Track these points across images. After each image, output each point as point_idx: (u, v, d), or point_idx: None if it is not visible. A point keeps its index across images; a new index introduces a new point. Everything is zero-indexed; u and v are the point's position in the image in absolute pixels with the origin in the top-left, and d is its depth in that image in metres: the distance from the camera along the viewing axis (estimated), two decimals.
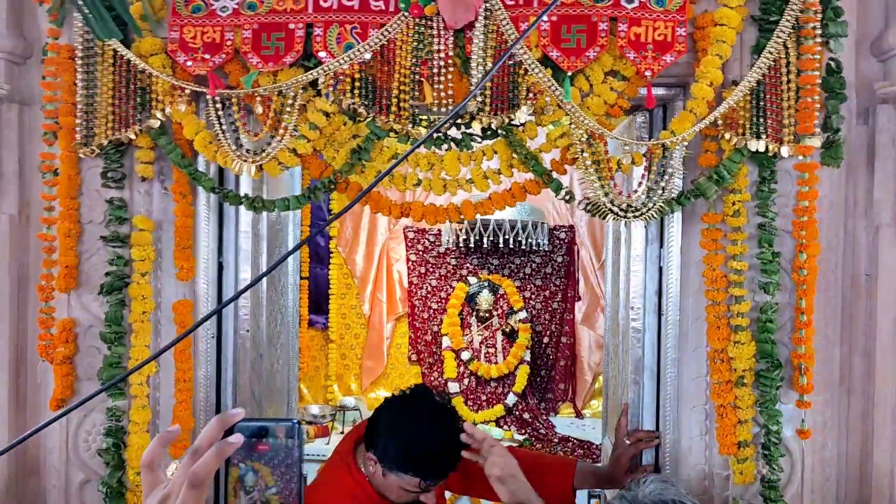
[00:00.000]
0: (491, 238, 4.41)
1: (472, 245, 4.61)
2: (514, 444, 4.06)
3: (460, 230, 4.54)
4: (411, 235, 4.83)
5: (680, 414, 1.94)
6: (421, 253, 4.82)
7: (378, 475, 1.75)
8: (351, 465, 1.82)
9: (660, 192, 1.78)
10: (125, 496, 1.90)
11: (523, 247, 4.52)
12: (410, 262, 4.84)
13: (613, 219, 1.79)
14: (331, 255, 4.82)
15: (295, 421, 0.80)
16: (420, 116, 1.81)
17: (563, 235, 4.76)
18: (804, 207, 1.78)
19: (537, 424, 4.42)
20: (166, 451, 0.81)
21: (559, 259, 4.78)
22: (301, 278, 4.51)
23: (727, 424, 1.84)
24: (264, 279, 2.27)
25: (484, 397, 4.52)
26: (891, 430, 1.86)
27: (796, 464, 1.88)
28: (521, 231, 4.34)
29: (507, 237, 4.35)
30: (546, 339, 4.80)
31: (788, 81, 1.74)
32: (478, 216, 1.93)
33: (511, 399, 4.46)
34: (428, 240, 4.82)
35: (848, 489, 1.92)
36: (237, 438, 0.77)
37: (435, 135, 1.83)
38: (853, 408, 1.92)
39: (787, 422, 1.85)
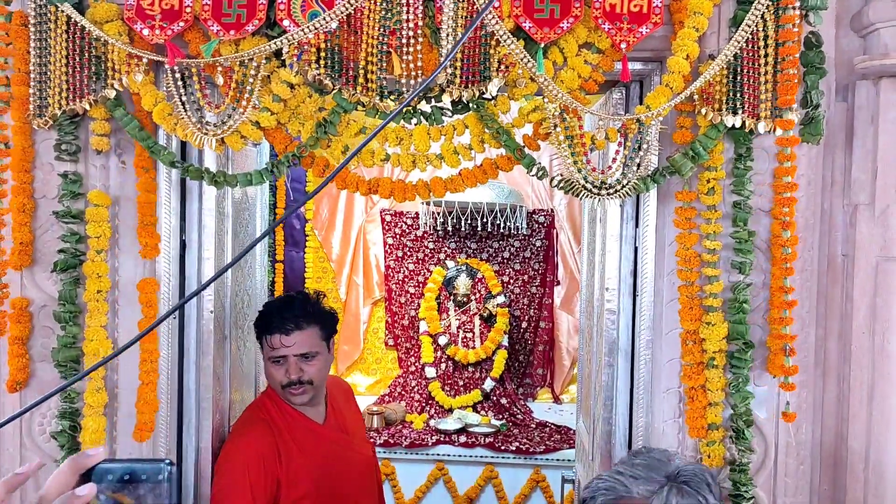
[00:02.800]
0: (469, 221, 4.35)
1: (449, 228, 4.56)
2: (492, 430, 4.03)
3: (438, 213, 4.47)
4: (388, 218, 4.75)
5: (653, 396, 1.90)
6: (398, 236, 4.75)
7: (263, 366, 2.11)
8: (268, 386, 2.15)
9: (635, 168, 1.73)
10: None
11: (502, 230, 4.47)
12: (387, 246, 4.77)
13: (587, 196, 1.74)
14: (306, 237, 4.75)
15: (167, 461, 0.71)
16: (388, 90, 1.74)
17: (541, 219, 4.71)
18: (786, 184, 1.74)
19: (515, 410, 4.39)
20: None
21: (538, 243, 4.73)
22: (276, 261, 4.45)
23: (697, 407, 1.82)
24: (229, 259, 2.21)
25: (461, 382, 4.48)
26: (866, 414, 1.84)
27: (770, 447, 1.86)
28: (499, 214, 4.27)
29: (485, 220, 4.29)
30: (524, 324, 4.76)
31: (766, 56, 1.70)
32: (456, 199, 1.88)
33: (489, 384, 4.42)
34: (405, 223, 4.75)
35: (822, 473, 1.90)
36: (89, 489, 0.68)
37: (404, 108, 1.77)
38: (828, 391, 1.89)
39: (761, 404, 1.83)
